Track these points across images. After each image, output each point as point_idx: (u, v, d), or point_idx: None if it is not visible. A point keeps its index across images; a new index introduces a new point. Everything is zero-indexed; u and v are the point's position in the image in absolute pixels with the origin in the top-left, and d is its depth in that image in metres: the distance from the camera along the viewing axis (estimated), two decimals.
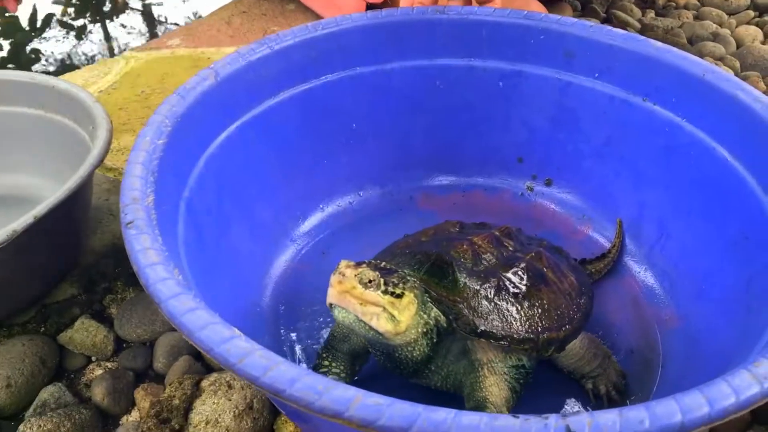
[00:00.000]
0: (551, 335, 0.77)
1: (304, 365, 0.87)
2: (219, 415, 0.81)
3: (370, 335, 0.70)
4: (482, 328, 0.74)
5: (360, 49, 1.02)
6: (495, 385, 0.75)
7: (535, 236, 0.96)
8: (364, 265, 0.69)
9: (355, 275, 0.67)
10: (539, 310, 0.78)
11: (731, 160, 0.87)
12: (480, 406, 0.74)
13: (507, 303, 0.77)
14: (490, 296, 0.76)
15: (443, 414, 0.50)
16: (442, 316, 0.74)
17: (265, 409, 0.84)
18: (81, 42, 2.05)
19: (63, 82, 1.08)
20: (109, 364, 0.94)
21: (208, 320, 0.57)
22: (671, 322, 0.91)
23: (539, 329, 0.77)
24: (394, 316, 0.68)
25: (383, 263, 0.73)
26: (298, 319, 0.93)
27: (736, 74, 1.64)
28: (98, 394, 0.88)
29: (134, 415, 0.88)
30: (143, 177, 0.71)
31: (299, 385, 0.52)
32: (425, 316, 0.72)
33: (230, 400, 0.82)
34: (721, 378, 0.54)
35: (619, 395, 0.84)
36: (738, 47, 1.77)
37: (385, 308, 0.68)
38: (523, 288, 0.78)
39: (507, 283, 0.78)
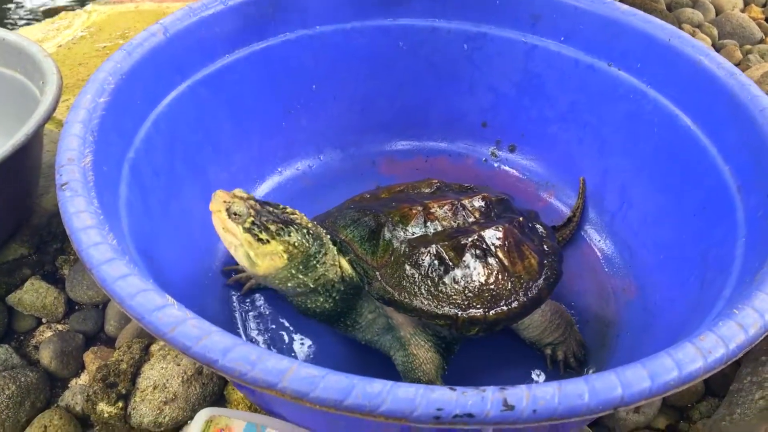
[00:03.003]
0: (475, 315, 0.74)
1: (255, 336, 0.86)
2: (167, 380, 0.80)
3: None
4: (389, 296, 0.72)
5: (320, 7, 0.99)
6: (426, 361, 0.75)
7: (525, 210, 0.92)
8: (249, 201, 0.70)
9: (224, 201, 0.68)
10: (467, 288, 0.74)
11: (693, 128, 0.86)
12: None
13: (430, 275, 0.74)
14: (413, 266, 0.74)
15: (378, 386, 0.49)
16: (355, 277, 0.74)
17: (215, 374, 0.82)
18: None
19: (12, 34, 1.04)
20: (59, 326, 0.92)
21: (140, 287, 0.55)
22: (629, 292, 0.91)
23: (463, 307, 0.74)
24: (250, 255, 0.68)
25: (286, 207, 0.73)
26: (252, 287, 0.91)
27: (714, 42, 1.61)
28: (46, 356, 0.86)
29: (83, 379, 0.87)
30: (81, 136, 0.68)
31: (232, 356, 0.51)
32: (304, 278, 0.71)
33: (179, 365, 0.81)
34: (665, 351, 0.53)
35: (577, 364, 0.84)
36: (717, 14, 1.75)
37: (242, 244, 0.68)
38: (457, 263, 0.75)
39: (439, 254, 0.75)
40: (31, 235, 0.99)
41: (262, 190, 1.03)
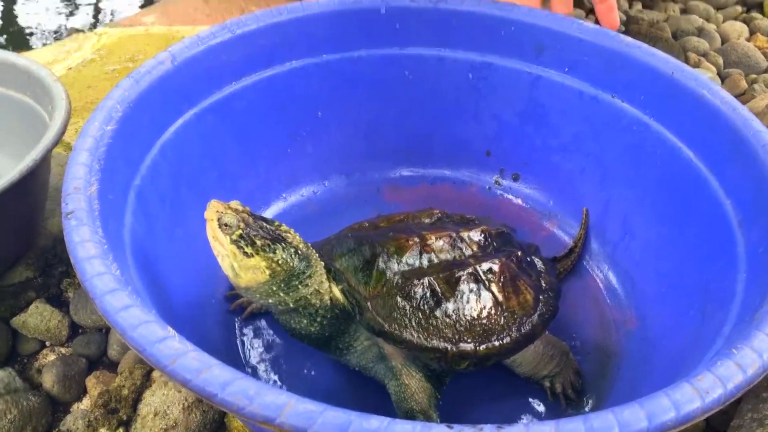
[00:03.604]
0: (466, 349, 0.74)
1: (255, 363, 0.86)
2: (168, 407, 0.80)
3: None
4: (379, 327, 0.73)
5: (326, 36, 1.00)
6: (419, 390, 0.75)
7: (525, 243, 0.93)
8: (242, 214, 0.71)
9: (217, 211, 0.70)
10: (458, 322, 0.74)
11: (696, 161, 0.86)
12: (410, 416, 0.73)
13: (422, 308, 0.74)
14: (405, 297, 0.74)
15: (376, 422, 0.49)
16: (347, 306, 0.74)
17: None
18: (52, 16, 2.00)
19: (23, 58, 1.05)
20: (63, 350, 0.93)
21: (143, 319, 0.56)
22: (630, 323, 0.91)
23: (453, 341, 0.73)
24: (234, 267, 0.70)
25: (280, 225, 0.73)
26: (254, 311, 0.91)
27: (719, 71, 1.62)
28: (48, 380, 0.86)
29: (85, 403, 0.87)
30: (88, 165, 0.69)
31: (231, 389, 0.51)
32: (285, 296, 0.72)
33: (180, 392, 0.81)
34: (662, 391, 0.53)
35: (576, 394, 0.84)
36: (723, 43, 1.75)
37: (228, 255, 0.70)
38: (449, 296, 0.75)
39: (431, 287, 0.75)
40: (36, 257, 1.00)
41: (266, 216, 1.03)
